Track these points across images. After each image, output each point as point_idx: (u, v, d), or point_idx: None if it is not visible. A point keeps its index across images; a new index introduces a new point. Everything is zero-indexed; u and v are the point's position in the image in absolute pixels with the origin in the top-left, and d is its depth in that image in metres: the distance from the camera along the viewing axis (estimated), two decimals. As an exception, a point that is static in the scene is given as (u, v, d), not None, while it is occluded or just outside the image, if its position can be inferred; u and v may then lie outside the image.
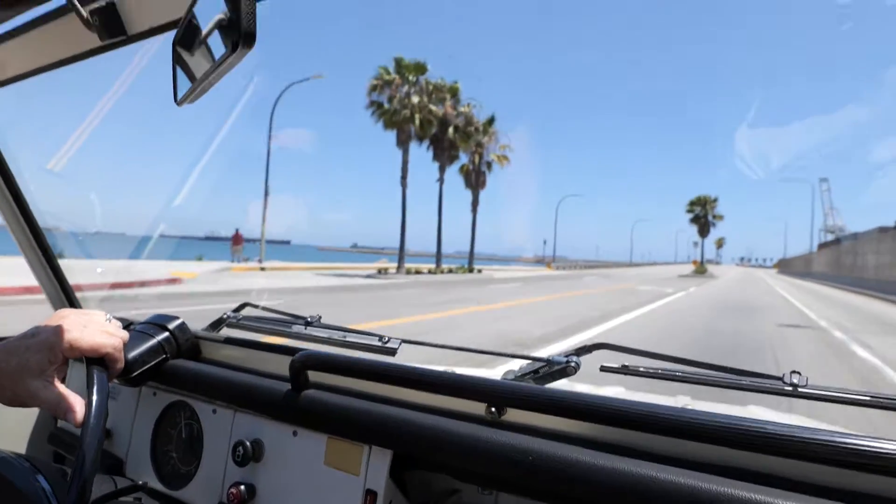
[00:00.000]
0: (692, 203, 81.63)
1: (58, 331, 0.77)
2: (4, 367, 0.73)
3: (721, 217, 79.44)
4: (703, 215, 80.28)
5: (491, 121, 32.39)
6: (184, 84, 0.64)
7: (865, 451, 0.53)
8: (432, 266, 31.06)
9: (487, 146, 32.95)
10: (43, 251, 1.38)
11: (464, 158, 32.57)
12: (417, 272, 28.37)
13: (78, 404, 0.74)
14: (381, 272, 26.39)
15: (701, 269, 63.88)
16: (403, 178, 27.96)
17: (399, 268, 27.26)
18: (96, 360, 0.79)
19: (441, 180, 30.69)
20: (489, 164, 33.63)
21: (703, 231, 79.77)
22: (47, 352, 0.75)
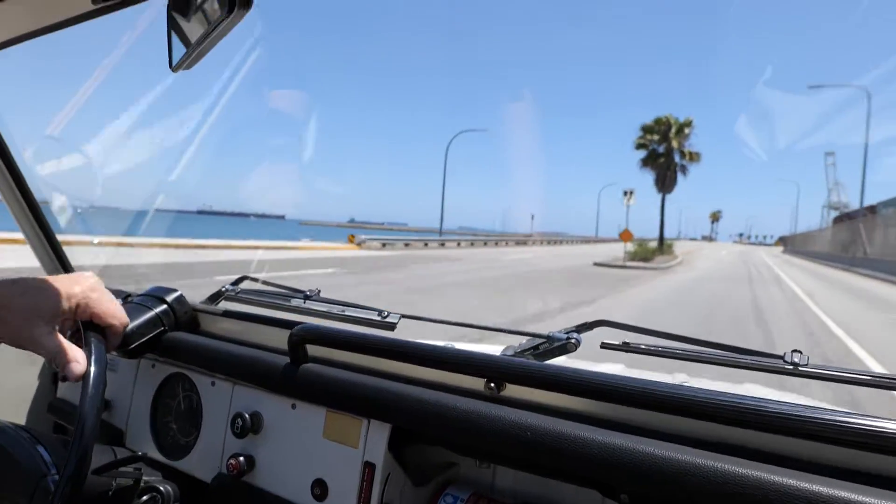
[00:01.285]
0: (647, 130, 43.36)
1: (76, 284, 0.77)
2: (16, 304, 0.72)
3: (697, 157, 43.04)
4: (663, 153, 42.77)
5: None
6: (179, 50, 0.62)
7: (865, 430, 0.53)
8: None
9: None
10: (39, 224, 1.36)
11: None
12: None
13: (80, 357, 0.73)
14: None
15: (648, 251, 28.92)
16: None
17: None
18: (96, 329, 0.79)
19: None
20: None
21: (664, 181, 42.53)
22: (63, 300, 0.75)
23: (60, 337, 0.74)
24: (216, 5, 0.54)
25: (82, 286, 0.78)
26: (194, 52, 0.57)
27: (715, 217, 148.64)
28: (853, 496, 0.49)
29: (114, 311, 0.80)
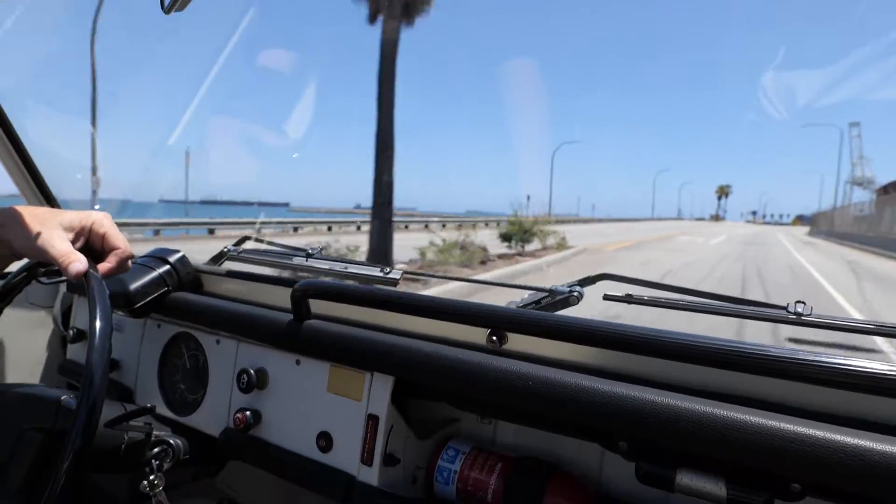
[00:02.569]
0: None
1: (94, 213, 0.82)
2: (39, 211, 0.78)
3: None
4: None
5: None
6: None
7: (859, 372, 0.53)
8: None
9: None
10: (21, 156, 1.34)
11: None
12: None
13: (83, 259, 0.76)
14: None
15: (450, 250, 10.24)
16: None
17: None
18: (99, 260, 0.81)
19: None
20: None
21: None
22: (82, 216, 0.80)
23: (69, 243, 0.77)
24: None
25: (99, 214, 0.84)
26: None
27: (723, 192, 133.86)
28: (850, 440, 0.50)
29: (123, 239, 0.83)
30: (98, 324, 0.74)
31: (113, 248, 0.82)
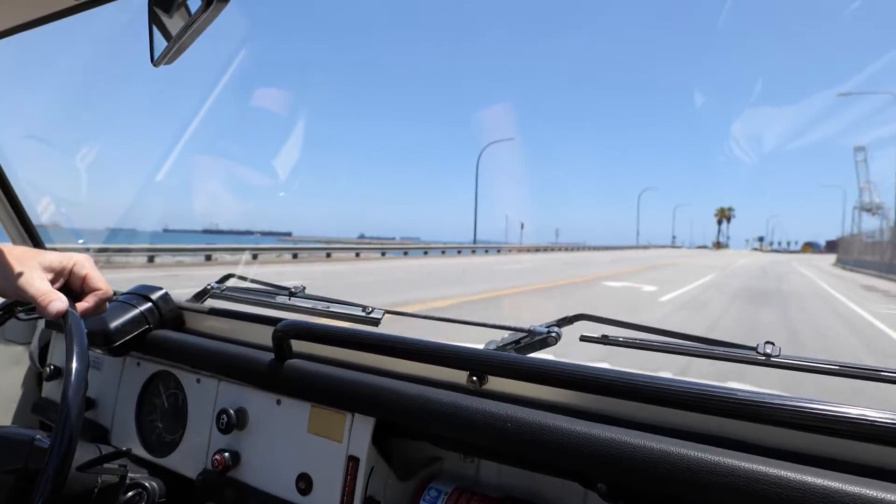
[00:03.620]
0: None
1: (75, 254, 0.83)
2: (19, 251, 0.78)
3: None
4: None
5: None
6: (160, 45, 0.62)
7: (831, 416, 0.54)
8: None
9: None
10: (6, 194, 1.34)
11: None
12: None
13: (63, 299, 0.76)
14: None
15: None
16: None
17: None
18: (78, 300, 0.81)
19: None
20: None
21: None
22: (62, 257, 0.81)
23: (49, 283, 0.77)
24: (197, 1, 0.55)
25: (80, 256, 0.84)
26: (175, 45, 0.58)
27: (724, 215, 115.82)
28: (819, 481, 0.51)
29: (103, 280, 0.84)
30: (74, 364, 0.73)
31: (93, 289, 0.82)
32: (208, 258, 17.26)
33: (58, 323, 0.78)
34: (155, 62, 0.62)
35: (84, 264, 0.83)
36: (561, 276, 15.84)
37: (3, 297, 0.81)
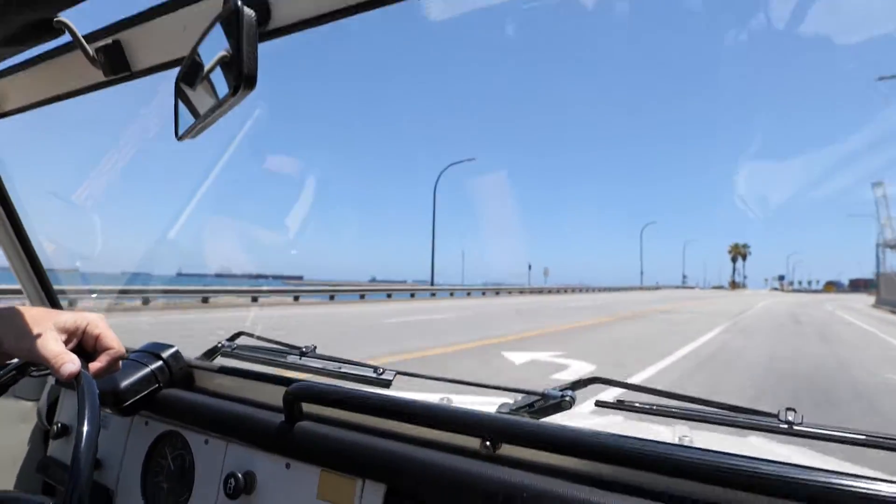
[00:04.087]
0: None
1: (89, 313, 0.83)
2: (34, 312, 0.78)
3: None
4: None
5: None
6: (185, 120, 0.65)
7: (860, 492, 0.52)
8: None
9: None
10: (28, 256, 1.36)
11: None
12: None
13: (76, 360, 0.75)
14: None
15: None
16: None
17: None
18: (90, 359, 0.81)
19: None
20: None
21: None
22: (76, 317, 0.80)
23: (62, 344, 0.77)
24: (222, 80, 0.58)
25: (93, 316, 0.85)
26: (199, 124, 0.60)
27: (738, 252, 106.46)
28: None
29: (116, 340, 0.84)
30: (86, 428, 0.73)
31: (106, 349, 0.82)
32: (206, 301, 17.67)
33: (70, 382, 0.78)
34: (179, 136, 0.65)
35: (97, 324, 0.83)
36: (444, 339, 9.59)
37: (18, 357, 0.82)
